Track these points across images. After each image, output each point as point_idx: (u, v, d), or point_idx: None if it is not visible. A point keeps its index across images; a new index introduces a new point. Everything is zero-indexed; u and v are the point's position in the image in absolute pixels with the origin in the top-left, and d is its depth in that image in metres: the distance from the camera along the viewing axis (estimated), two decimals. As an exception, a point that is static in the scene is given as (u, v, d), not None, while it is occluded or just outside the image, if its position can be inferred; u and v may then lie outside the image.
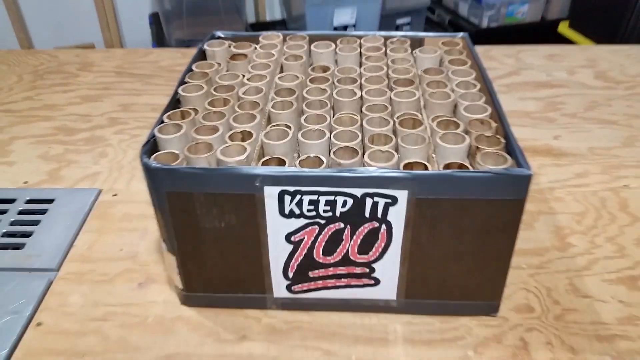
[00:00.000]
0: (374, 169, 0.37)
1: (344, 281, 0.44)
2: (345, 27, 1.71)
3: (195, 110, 0.45)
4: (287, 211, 0.40)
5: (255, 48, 0.55)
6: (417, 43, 0.57)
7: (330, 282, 0.44)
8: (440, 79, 0.49)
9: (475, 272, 0.43)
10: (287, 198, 0.39)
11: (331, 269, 0.43)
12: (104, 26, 1.88)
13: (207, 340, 0.44)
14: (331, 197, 0.38)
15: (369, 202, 0.39)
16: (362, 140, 0.42)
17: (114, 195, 0.60)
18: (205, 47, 0.55)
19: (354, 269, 0.43)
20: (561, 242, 0.53)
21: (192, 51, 0.93)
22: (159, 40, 1.62)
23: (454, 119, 0.43)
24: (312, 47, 0.55)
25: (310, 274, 0.44)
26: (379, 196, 0.38)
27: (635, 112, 0.75)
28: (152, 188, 0.40)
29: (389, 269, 0.43)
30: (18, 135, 0.71)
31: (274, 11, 2.03)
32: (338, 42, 0.56)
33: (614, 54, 0.90)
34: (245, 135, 0.42)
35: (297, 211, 0.39)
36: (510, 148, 0.39)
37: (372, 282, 0.44)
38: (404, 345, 0.44)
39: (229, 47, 0.55)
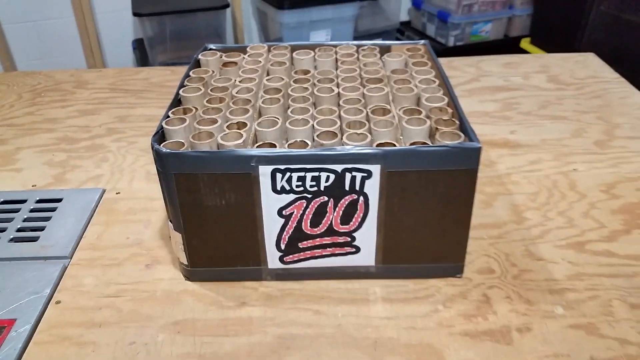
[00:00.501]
0: (351, 147, 0.45)
1: (329, 250, 0.51)
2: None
3: (196, 108, 0.51)
4: (278, 187, 0.46)
5: (244, 57, 0.63)
6: (385, 50, 0.65)
7: (317, 252, 0.51)
8: (405, 77, 0.57)
9: (441, 236, 0.50)
10: (279, 175, 0.46)
11: (318, 239, 0.50)
12: (88, 52, 1.94)
13: (211, 308, 0.50)
14: (316, 173, 0.45)
15: (348, 176, 0.46)
16: (341, 127, 0.50)
17: (117, 193, 0.66)
18: (200, 57, 0.62)
19: (337, 238, 0.50)
20: (518, 216, 0.61)
21: (181, 69, 1.00)
22: (143, 64, 1.69)
23: (417, 108, 0.51)
24: (294, 54, 0.62)
25: (300, 245, 0.50)
26: (356, 171, 0.45)
27: (583, 109, 0.84)
28: (161, 172, 0.46)
29: (367, 237, 0.50)
30: (23, 146, 0.76)
31: (252, 36, 2.12)
32: (316, 50, 0.64)
33: (565, 61, 1.00)
34: (240, 125, 0.49)
35: (287, 187, 0.46)
36: (463, 128, 0.47)
37: (354, 250, 0.51)
38: (383, 303, 0.50)
39: (221, 57, 0.62)
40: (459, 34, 2.07)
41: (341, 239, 0.50)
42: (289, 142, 0.47)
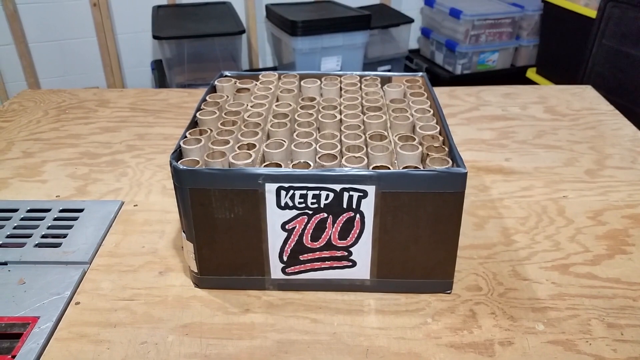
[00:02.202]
0: (349, 169, 0.49)
1: (327, 263, 0.55)
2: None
3: (210, 129, 0.56)
4: (282, 204, 0.51)
5: (256, 84, 0.68)
6: (386, 80, 0.70)
7: (317, 265, 0.55)
8: (402, 106, 0.62)
9: (431, 253, 0.54)
10: (283, 193, 0.50)
11: (317, 252, 0.54)
12: (108, 71, 2.03)
13: (217, 313, 0.54)
14: (317, 192, 0.50)
15: (345, 195, 0.50)
16: (341, 150, 0.54)
17: (135, 205, 0.71)
18: (216, 83, 0.67)
19: (335, 252, 0.54)
20: (507, 239, 0.65)
21: (197, 91, 1.06)
22: (161, 85, 1.77)
23: (411, 135, 0.55)
24: (302, 83, 0.68)
25: (301, 257, 0.55)
26: (354, 190, 0.50)
27: (576, 139, 0.88)
28: (177, 186, 0.51)
29: (363, 252, 0.54)
30: (48, 159, 0.82)
31: (266, 60, 2.19)
32: (322, 79, 0.69)
33: (562, 92, 1.05)
34: (250, 146, 0.54)
35: (290, 203, 0.51)
36: (452, 154, 0.52)
37: (350, 264, 0.55)
38: (376, 314, 0.54)
39: (235, 83, 0.68)
40: (466, 62, 2.13)
41: (339, 253, 0.54)
42: (294, 163, 0.52)
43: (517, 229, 0.67)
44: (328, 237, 0.53)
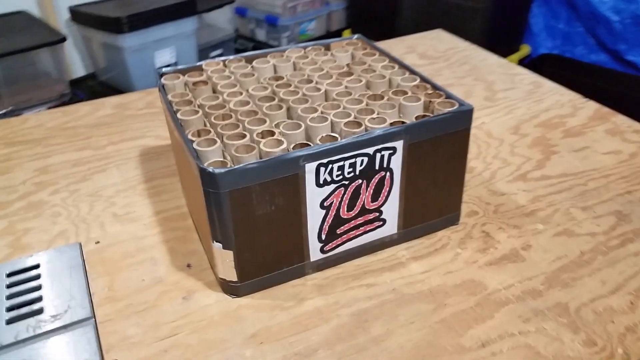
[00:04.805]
0: (380, 130, 0.50)
1: (361, 229, 0.56)
2: (167, 66, 1.76)
3: (209, 129, 0.52)
4: (321, 181, 0.50)
5: (208, 75, 0.63)
6: (327, 49, 0.71)
7: (352, 234, 0.56)
8: (366, 67, 0.64)
9: (446, 191, 0.59)
10: (322, 170, 0.49)
11: (352, 221, 0.55)
12: None
13: (276, 312, 0.52)
14: (352, 160, 0.50)
15: (378, 156, 0.51)
16: (354, 116, 0.55)
17: (97, 242, 0.61)
18: (164, 82, 0.61)
19: (368, 216, 0.55)
20: (468, 167, 0.73)
21: (71, 108, 0.92)
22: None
23: (402, 89, 0.58)
24: (254, 64, 0.65)
25: (338, 231, 0.54)
26: (385, 149, 0.51)
27: (460, 74, 1.00)
28: (213, 192, 0.46)
29: (391, 209, 0.56)
30: (-58, 225, 0.65)
31: (78, 68, 1.96)
32: (269, 57, 0.67)
33: (423, 39, 1.17)
34: (265, 134, 0.51)
35: (328, 179, 0.50)
36: (451, 97, 0.56)
37: (381, 223, 0.57)
38: (415, 261, 0.57)
39: (181, 79, 0.62)
40: (290, 34, 2.20)
41: (371, 216, 0.55)
42: (319, 138, 0.51)
43: (469, 158, 0.75)
44: (362, 202, 0.54)
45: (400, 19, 1.93)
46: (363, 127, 0.52)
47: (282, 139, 0.50)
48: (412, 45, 1.14)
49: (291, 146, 0.50)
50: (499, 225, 0.62)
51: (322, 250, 0.55)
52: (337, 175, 0.50)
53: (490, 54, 1.08)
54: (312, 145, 0.50)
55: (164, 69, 0.64)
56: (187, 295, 0.54)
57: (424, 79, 0.60)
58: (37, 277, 0.56)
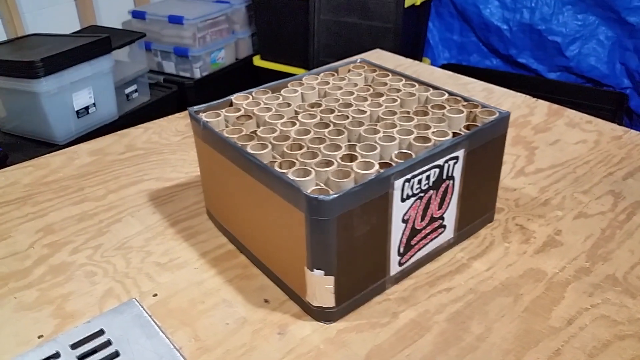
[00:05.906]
0: (448, 141, 0.54)
1: (429, 238, 0.59)
2: (87, 108, 1.66)
3: (294, 160, 0.52)
4: (405, 196, 0.52)
5: (243, 109, 0.63)
6: (335, 72, 0.73)
7: (422, 243, 0.58)
8: (392, 87, 0.67)
9: (489, 192, 0.64)
10: (406, 185, 0.52)
11: (423, 231, 0.58)
12: None
13: (377, 330, 0.53)
14: (428, 172, 0.54)
15: (446, 166, 0.55)
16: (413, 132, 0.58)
17: (154, 295, 0.58)
18: (207, 119, 0.59)
19: (434, 224, 0.59)
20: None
21: (47, 160, 0.84)
22: None
23: (439, 104, 0.63)
24: (282, 93, 0.66)
25: (412, 242, 0.57)
26: (451, 159, 0.55)
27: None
28: (320, 220, 0.47)
29: (451, 214, 0.60)
30: (-43, 307, 0.56)
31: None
32: (289, 86, 0.68)
33: (370, 58, 1.24)
34: (345, 158, 0.52)
35: (410, 193, 0.53)
36: (487, 106, 0.62)
37: (443, 229, 0.60)
38: (475, 260, 0.62)
39: (221, 115, 0.61)
40: (202, 65, 2.17)
41: (436, 223, 0.59)
42: (394, 155, 0.54)
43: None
44: (431, 212, 0.57)
45: (313, 43, 2.00)
46: (432, 141, 0.55)
47: (372, 160, 0.51)
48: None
49: (378, 168, 0.52)
50: (526, 217, 0.69)
51: (399, 263, 0.57)
52: (416, 189, 0.53)
53: (434, 67, 1.18)
54: (393, 164, 0.52)
55: (194, 107, 0.62)
56: (282, 330, 0.53)
57: (451, 93, 0.65)
58: (109, 342, 0.52)
